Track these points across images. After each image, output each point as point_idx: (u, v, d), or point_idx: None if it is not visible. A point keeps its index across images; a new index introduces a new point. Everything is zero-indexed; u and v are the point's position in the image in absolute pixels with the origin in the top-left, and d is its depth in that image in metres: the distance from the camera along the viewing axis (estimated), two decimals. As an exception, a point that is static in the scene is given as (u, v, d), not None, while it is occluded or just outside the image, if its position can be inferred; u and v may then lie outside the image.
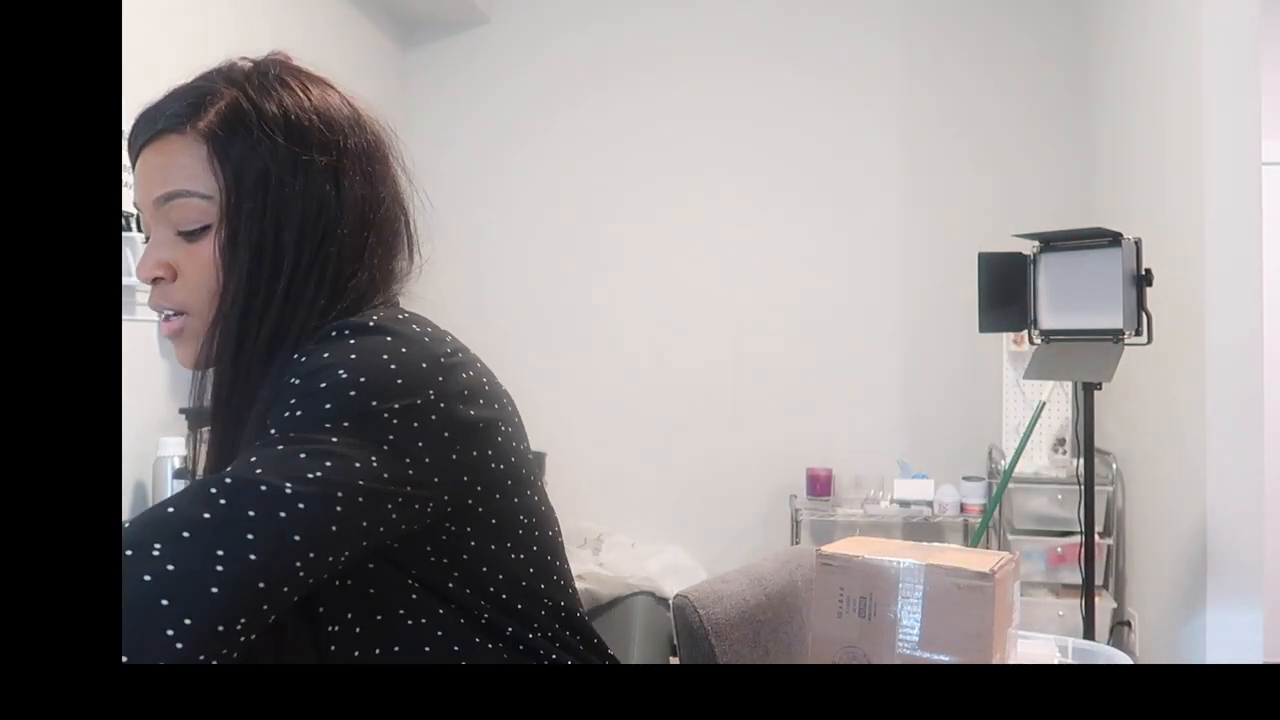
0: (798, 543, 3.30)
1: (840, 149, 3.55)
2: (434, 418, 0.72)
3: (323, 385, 0.69)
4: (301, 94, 0.79)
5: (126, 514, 2.14)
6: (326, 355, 0.71)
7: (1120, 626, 2.91)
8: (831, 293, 3.52)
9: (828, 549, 1.17)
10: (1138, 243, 2.15)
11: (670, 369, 3.57)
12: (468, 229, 3.68)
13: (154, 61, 2.26)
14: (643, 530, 3.49)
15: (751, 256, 3.53)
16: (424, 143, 3.73)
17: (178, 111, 0.78)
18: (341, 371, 0.70)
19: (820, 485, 3.33)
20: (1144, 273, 2.14)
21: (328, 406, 0.68)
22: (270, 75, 0.80)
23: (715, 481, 3.55)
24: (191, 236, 0.77)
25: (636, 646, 2.66)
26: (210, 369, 0.79)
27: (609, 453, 3.56)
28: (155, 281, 0.78)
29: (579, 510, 3.41)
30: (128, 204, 2.12)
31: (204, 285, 0.77)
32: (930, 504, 3.18)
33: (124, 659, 0.56)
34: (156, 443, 2.11)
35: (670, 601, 1.31)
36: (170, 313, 0.78)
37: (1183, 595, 2.43)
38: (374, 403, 0.69)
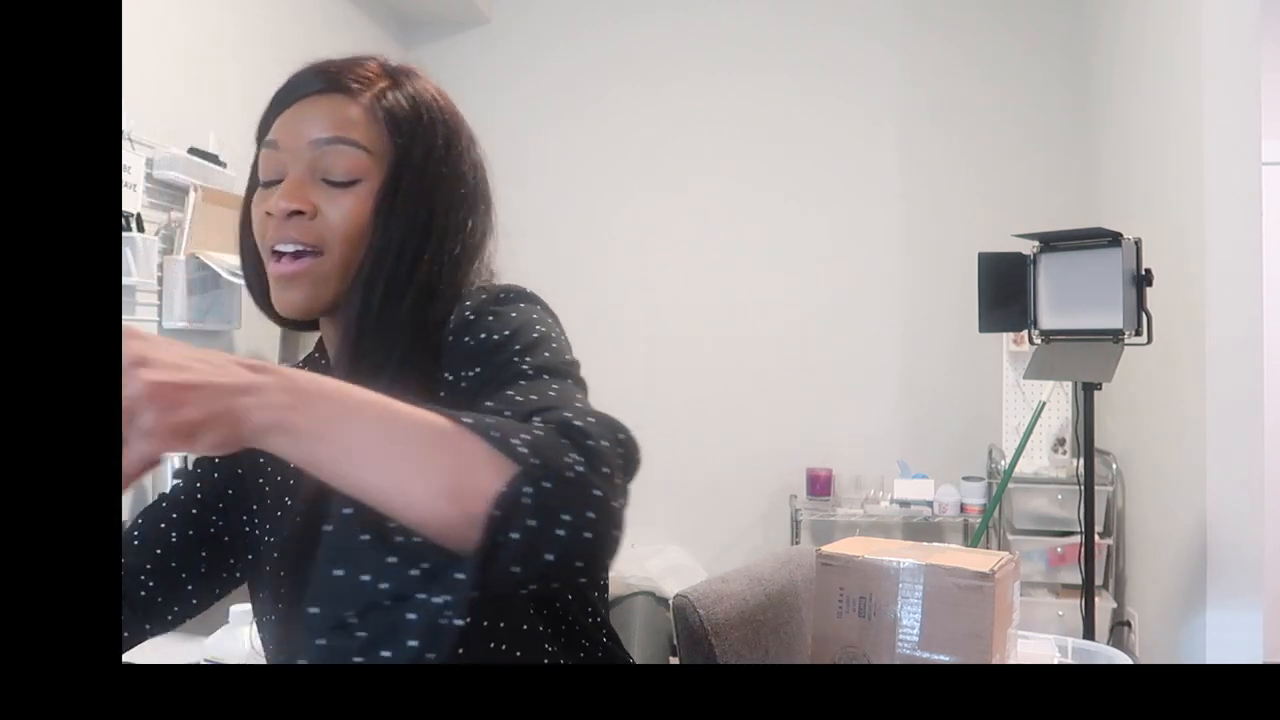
0: (798, 543, 3.30)
1: (840, 149, 3.55)
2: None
3: (536, 336, 0.76)
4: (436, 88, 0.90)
5: (126, 514, 2.14)
6: (515, 315, 0.79)
7: (1120, 626, 2.91)
8: (831, 293, 3.52)
9: (828, 549, 1.17)
10: (1138, 243, 2.15)
11: (670, 369, 3.57)
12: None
13: (154, 61, 2.26)
14: (643, 530, 3.49)
15: (752, 257, 3.53)
16: (424, 143, 3.73)
17: (343, 74, 0.83)
18: (540, 327, 0.78)
19: (820, 485, 3.33)
20: (1144, 273, 2.14)
21: (547, 355, 0.74)
22: (414, 81, 0.89)
23: (715, 481, 3.55)
24: (341, 185, 0.80)
25: (636, 646, 2.66)
26: (305, 320, 0.83)
27: (609, 453, 3.55)
28: (292, 216, 0.78)
29: (579, 510, 3.41)
30: (128, 204, 2.12)
31: (345, 231, 0.79)
32: (930, 504, 3.18)
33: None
34: (156, 443, 2.11)
35: (670, 601, 1.31)
36: (299, 249, 0.79)
37: (1183, 595, 2.43)
38: (567, 357, 0.77)
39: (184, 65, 2.39)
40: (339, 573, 0.57)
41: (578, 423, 0.62)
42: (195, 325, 2.33)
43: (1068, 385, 3.00)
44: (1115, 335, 2.16)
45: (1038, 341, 2.35)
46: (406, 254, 0.80)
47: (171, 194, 2.27)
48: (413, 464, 0.57)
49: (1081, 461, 2.32)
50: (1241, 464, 2.26)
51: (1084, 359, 2.22)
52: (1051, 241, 2.29)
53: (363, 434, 0.57)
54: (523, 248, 3.75)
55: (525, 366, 0.72)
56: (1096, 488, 2.36)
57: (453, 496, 0.56)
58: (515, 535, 0.56)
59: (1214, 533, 2.28)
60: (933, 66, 3.52)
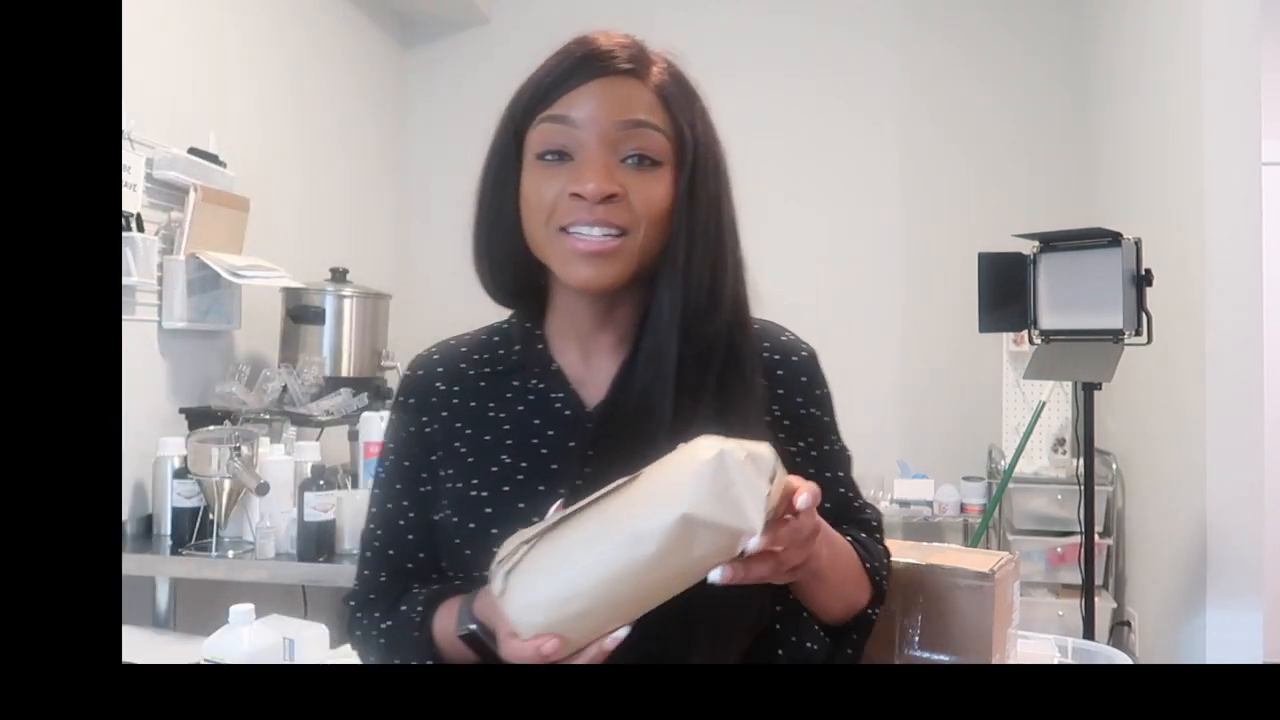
0: (798, 543, 3.30)
1: (839, 149, 3.55)
2: None
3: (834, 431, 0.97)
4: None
5: (126, 514, 2.14)
6: (829, 397, 0.96)
7: (1120, 626, 2.91)
8: (831, 292, 3.51)
9: (828, 549, 1.17)
10: (1138, 243, 2.15)
11: (670, 369, 3.56)
12: (467, 227, 3.68)
13: (154, 61, 2.26)
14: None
15: (751, 257, 3.52)
16: (423, 142, 3.73)
17: (631, 58, 0.84)
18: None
19: (820, 485, 3.32)
20: (1144, 273, 2.14)
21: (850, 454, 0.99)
22: (676, 66, 0.89)
23: (715, 481, 3.54)
24: (645, 167, 0.81)
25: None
26: (608, 290, 0.83)
27: (609, 453, 3.55)
28: (609, 199, 0.79)
29: (579, 510, 3.41)
30: (128, 204, 2.12)
31: (651, 214, 0.81)
32: (930, 504, 3.18)
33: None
34: (156, 443, 2.11)
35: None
36: (611, 233, 0.80)
37: (1183, 595, 2.43)
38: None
39: (184, 65, 2.39)
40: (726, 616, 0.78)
41: (886, 549, 0.96)
42: (195, 325, 2.33)
43: (1068, 385, 2.99)
44: (1115, 335, 2.16)
45: (1038, 341, 2.35)
46: (712, 234, 0.84)
47: (171, 194, 2.27)
48: (840, 590, 0.85)
49: (1081, 461, 2.32)
50: (1241, 464, 2.26)
51: (1084, 359, 2.22)
52: (1051, 241, 2.29)
53: (835, 573, 0.83)
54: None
55: (852, 476, 0.96)
56: (1096, 488, 2.36)
57: (846, 608, 0.87)
58: (856, 636, 0.89)
59: (1214, 533, 2.28)
60: (933, 67, 3.51)
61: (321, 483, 1.99)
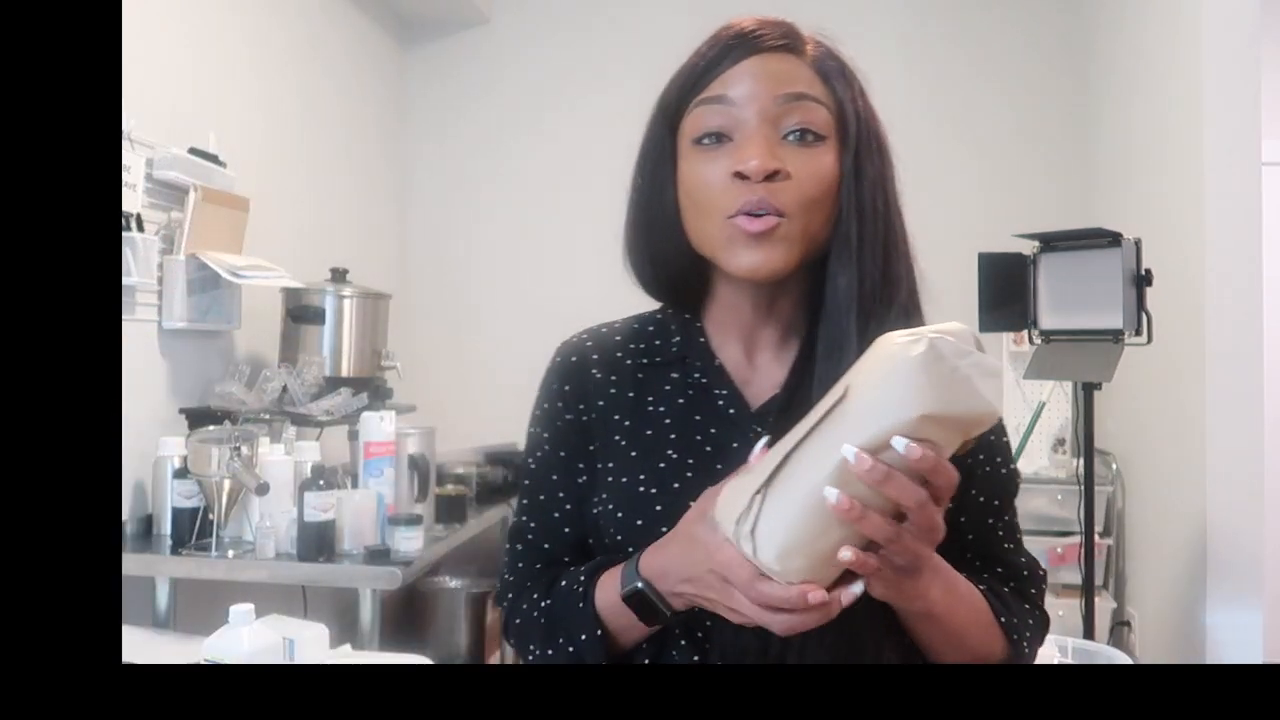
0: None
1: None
2: None
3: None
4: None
5: (126, 514, 2.14)
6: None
7: (1120, 626, 2.91)
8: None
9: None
10: (1138, 243, 2.15)
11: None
12: (467, 227, 3.68)
13: (154, 61, 2.26)
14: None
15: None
16: (423, 142, 3.73)
17: (784, 35, 0.80)
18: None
19: (820, 485, 3.32)
20: (1144, 273, 2.13)
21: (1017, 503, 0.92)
22: (829, 45, 0.85)
23: (715, 481, 3.54)
24: (808, 142, 0.78)
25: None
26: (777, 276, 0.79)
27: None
28: (773, 176, 0.76)
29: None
30: (128, 204, 2.12)
31: (815, 192, 0.77)
32: (930, 504, 3.17)
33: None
34: (156, 443, 2.11)
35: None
36: (768, 212, 0.76)
37: (1183, 595, 2.43)
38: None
39: (184, 65, 2.39)
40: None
41: (1042, 596, 0.88)
42: (195, 325, 2.33)
43: (1068, 385, 2.99)
44: (1115, 335, 2.16)
45: (1038, 341, 2.35)
46: (881, 213, 0.80)
47: (171, 194, 2.27)
48: (963, 639, 0.79)
49: (1081, 461, 2.32)
50: (1241, 464, 2.26)
51: (1084, 359, 2.22)
52: (1052, 241, 2.29)
53: (953, 619, 0.77)
54: (521, 247, 3.77)
55: (1013, 512, 0.89)
56: (1096, 488, 2.36)
57: (971, 658, 0.80)
58: None
59: (1214, 533, 2.28)
60: (933, 67, 3.51)
61: (321, 483, 1.99)
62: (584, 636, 0.80)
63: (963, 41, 3.50)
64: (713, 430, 0.83)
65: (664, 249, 0.84)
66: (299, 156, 2.98)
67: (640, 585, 0.74)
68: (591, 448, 0.86)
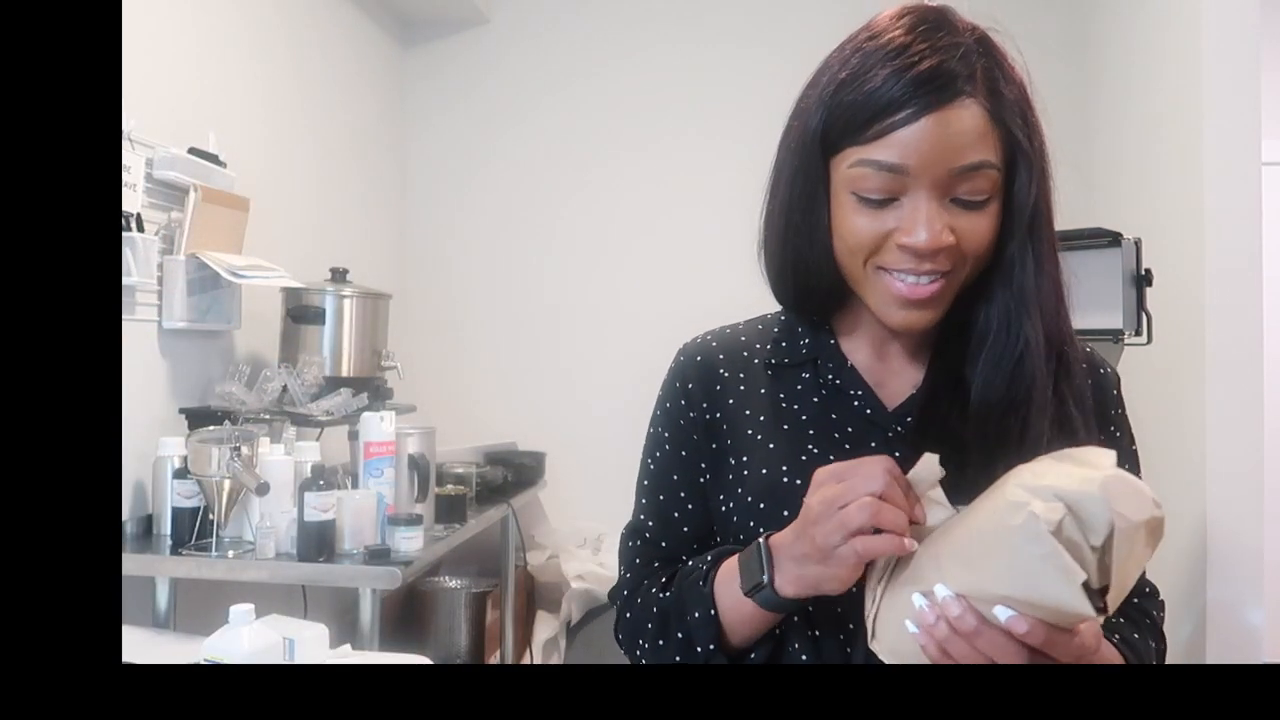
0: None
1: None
2: None
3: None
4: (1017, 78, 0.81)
5: (126, 514, 2.14)
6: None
7: (1120, 626, 2.90)
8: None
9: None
10: (1138, 243, 2.15)
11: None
12: (467, 227, 3.68)
13: (154, 61, 2.26)
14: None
15: (750, 260, 3.52)
16: (423, 142, 3.73)
17: (961, 70, 0.74)
18: None
19: (820, 485, 3.32)
20: (1144, 273, 2.14)
21: None
22: (993, 46, 0.80)
23: (715, 481, 3.54)
24: (975, 206, 0.76)
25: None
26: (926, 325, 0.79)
27: (609, 452, 3.56)
28: (941, 250, 0.74)
29: (579, 510, 3.41)
30: (128, 204, 2.12)
31: (976, 252, 0.77)
32: (930, 504, 3.17)
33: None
34: (156, 443, 2.11)
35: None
36: (935, 279, 0.76)
37: (1183, 595, 2.43)
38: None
39: (184, 65, 2.39)
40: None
41: (1163, 629, 0.87)
42: (195, 325, 2.33)
43: (1068, 385, 2.99)
44: (1115, 335, 2.16)
45: (1038, 341, 2.34)
46: (1037, 235, 0.81)
47: (171, 194, 2.27)
48: None
49: (1081, 461, 2.32)
50: (1241, 464, 2.26)
51: (1084, 359, 2.22)
52: (1051, 241, 2.28)
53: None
54: (522, 246, 3.77)
55: (1122, 435, 0.90)
56: (1096, 488, 2.36)
57: None
58: None
59: (1214, 533, 2.28)
60: (933, 66, 3.51)
61: (321, 483, 1.99)
62: (697, 614, 0.79)
63: (963, 41, 3.49)
64: (850, 429, 0.82)
65: (813, 277, 0.83)
66: (299, 156, 2.98)
67: (761, 544, 0.74)
68: (715, 446, 0.85)
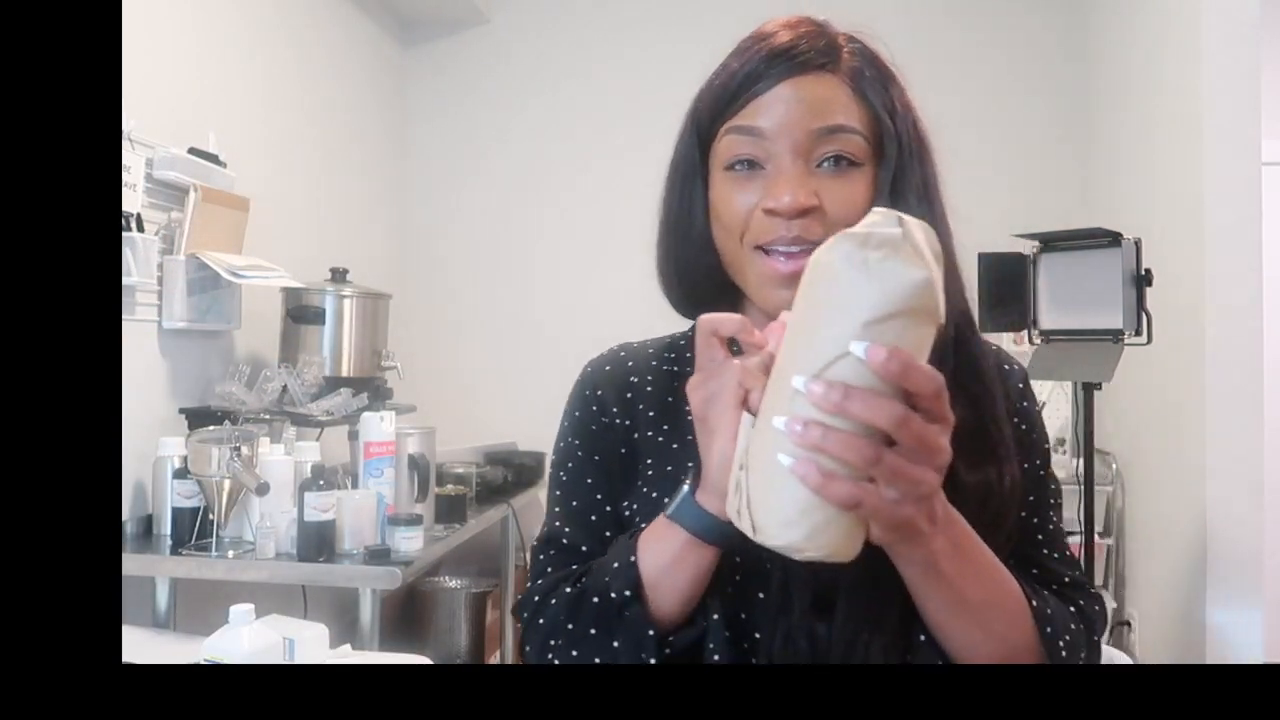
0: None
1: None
2: None
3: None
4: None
5: (126, 514, 2.14)
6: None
7: (1120, 626, 2.91)
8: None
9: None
10: (1138, 243, 2.15)
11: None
12: (467, 227, 3.68)
13: (154, 61, 2.26)
14: (643, 530, 3.48)
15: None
16: (423, 142, 3.73)
17: (820, 50, 0.77)
18: None
19: (820, 485, 3.32)
20: (1144, 273, 2.14)
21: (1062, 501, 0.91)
22: (864, 44, 0.82)
23: (715, 481, 3.54)
24: (842, 169, 0.76)
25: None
26: None
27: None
28: (806, 212, 0.74)
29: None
30: (128, 204, 2.12)
31: (847, 218, 0.73)
32: (930, 504, 3.17)
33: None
34: (156, 443, 2.11)
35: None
36: (809, 248, 0.72)
37: (1183, 595, 2.43)
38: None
39: (184, 65, 2.39)
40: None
41: (1098, 623, 0.80)
42: (195, 325, 2.33)
43: (1068, 385, 2.99)
44: (1115, 335, 2.16)
45: (1038, 341, 2.35)
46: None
47: (171, 194, 2.27)
48: (982, 616, 0.71)
49: (1081, 461, 2.32)
50: (1241, 464, 2.26)
51: (1084, 359, 2.22)
52: (1051, 241, 2.29)
53: (970, 584, 0.69)
54: (522, 246, 3.78)
55: (1054, 518, 0.85)
56: (1096, 488, 2.36)
57: (999, 646, 0.72)
58: None
59: (1214, 533, 2.28)
60: (931, 66, 3.51)
61: (321, 483, 1.99)
62: (615, 564, 0.75)
63: (961, 41, 3.50)
64: None
65: (695, 271, 0.83)
66: (299, 156, 2.98)
67: (686, 488, 0.71)
68: (624, 451, 0.85)
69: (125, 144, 2.10)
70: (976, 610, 0.71)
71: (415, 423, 2.47)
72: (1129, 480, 2.97)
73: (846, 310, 0.55)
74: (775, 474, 0.58)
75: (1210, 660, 2.26)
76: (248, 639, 1.32)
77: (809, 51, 0.76)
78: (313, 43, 3.06)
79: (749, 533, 0.60)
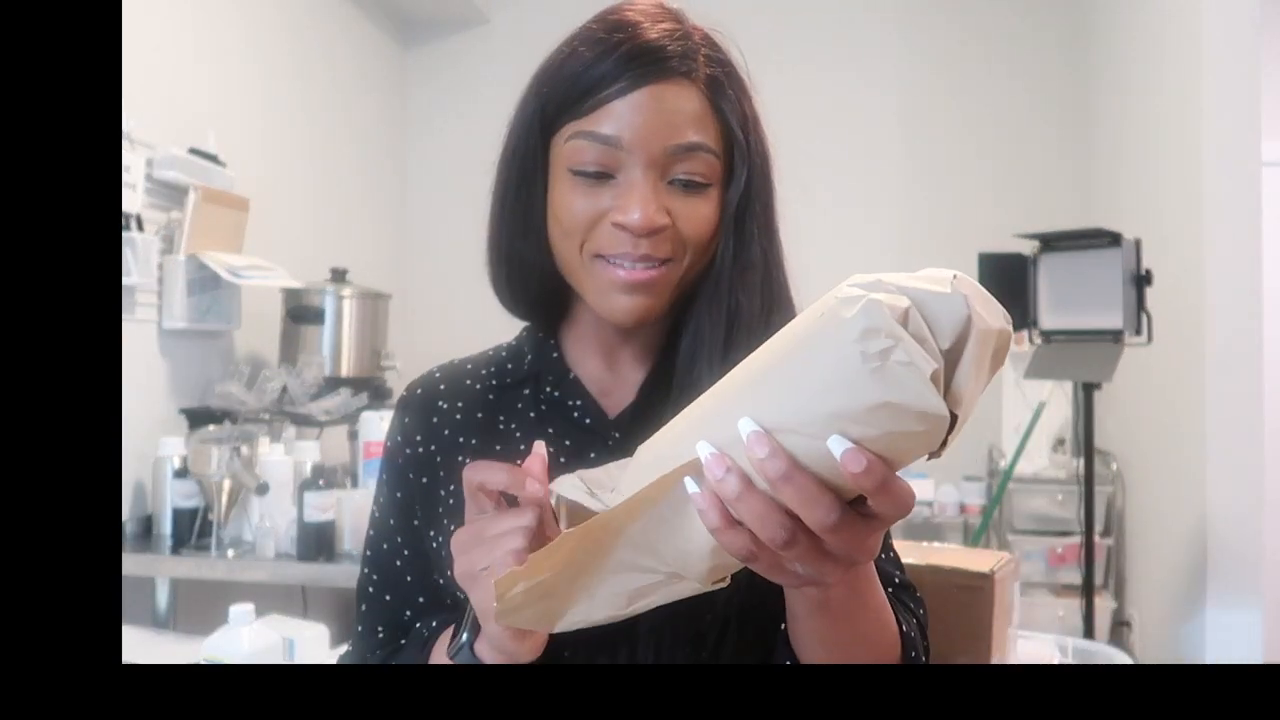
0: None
1: (839, 149, 3.55)
2: None
3: None
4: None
5: (126, 514, 2.14)
6: None
7: (1120, 626, 2.91)
8: (829, 294, 3.51)
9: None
10: (1138, 243, 2.15)
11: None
12: (467, 227, 3.68)
13: (155, 61, 2.26)
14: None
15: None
16: (423, 141, 3.73)
17: (678, 53, 0.72)
18: None
19: (820, 485, 3.32)
20: (1144, 273, 2.14)
21: None
22: (717, 44, 0.78)
23: (715, 481, 3.54)
24: (693, 189, 0.73)
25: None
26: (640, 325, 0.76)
27: (609, 453, 3.56)
28: (657, 231, 0.71)
29: (579, 510, 3.41)
30: (128, 204, 2.12)
31: (697, 238, 0.73)
32: (930, 504, 3.18)
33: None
34: (156, 443, 2.11)
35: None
36: (653, 265, 0.72)
37: (1183, 595, 2.43)
38: None
39: (184, 65, 2.39)
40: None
41: (927, 630, 0.79)
42: (195, 325, 2.33)
43: (1068, 385, 2.99)
44: (1115, 335, 2.16)
45: (1038, 341, 2.35)
46: (759, 251, 0.76)
47: (171, 194, 2.28)
48: (854, 655, 0.68)
49: (1081, 461, 2.32)
50: (1241, 464, 2.26)
51: (1084, 359, 2.22)
52: (1052, 242, 2.29)
53: (861, 625, 0.67)
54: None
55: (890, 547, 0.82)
56: (1096, 488, 2.37)
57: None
58: None
59: (1214, 533, 2.28)
60: (932, 67, 3.52)
61: (321, 483, 1.99)
62: (419, 665, 0.71)
63: (961, 43, 3.50)
64: (568, 442, 0.77)
65: (527, 269, 0.79)
66: (299, 156, 2.98)
67: (470, 608, 0.66)
68: (425, 480, 0.79)
69: (125, 144, 2.10)
70: (850, 644, 0.67)
71: (415, 423, 2.47)
72: (1129, 480, 2.97)
73: (857, 389, 0.45)
74: (673, 488, 0.51)
75: (1210, 660, 2.26)
76: (248, 639, 1.32)
77: (670, 56, 0.72)
78: (313, 43, 3.06)
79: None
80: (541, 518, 0.61)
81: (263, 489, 1.96)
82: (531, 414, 0.80)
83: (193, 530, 2.04)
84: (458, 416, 0.81)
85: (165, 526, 2.09)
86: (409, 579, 0.80)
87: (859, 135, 3.54)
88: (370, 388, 2.58)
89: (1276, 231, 2.98)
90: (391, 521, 0.81)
